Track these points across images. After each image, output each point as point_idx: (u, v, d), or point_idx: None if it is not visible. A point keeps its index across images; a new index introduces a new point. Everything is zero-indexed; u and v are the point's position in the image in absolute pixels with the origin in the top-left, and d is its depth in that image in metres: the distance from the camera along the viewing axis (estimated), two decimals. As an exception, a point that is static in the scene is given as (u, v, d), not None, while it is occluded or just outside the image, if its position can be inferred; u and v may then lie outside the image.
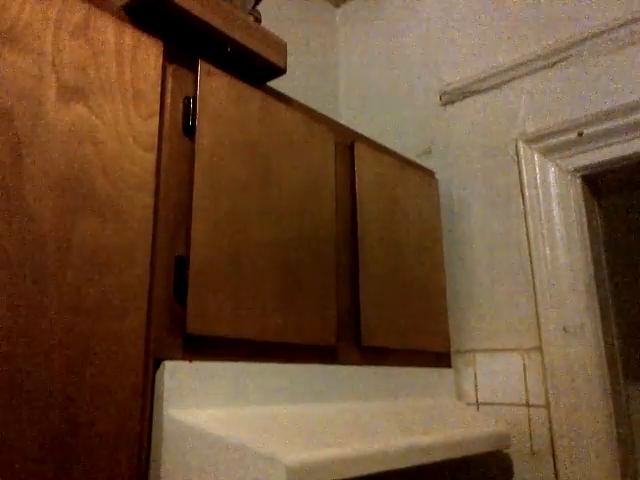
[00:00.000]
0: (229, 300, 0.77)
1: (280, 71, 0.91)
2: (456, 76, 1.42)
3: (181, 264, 0.74)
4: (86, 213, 0.63)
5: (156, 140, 0.73)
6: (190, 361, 0.72)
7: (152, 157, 0.72)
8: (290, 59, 0.98)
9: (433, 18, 1.55)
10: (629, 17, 1.13)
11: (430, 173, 1.32)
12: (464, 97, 1.38)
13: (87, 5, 0.68)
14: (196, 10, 0.78)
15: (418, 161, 1.39)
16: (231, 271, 0.78)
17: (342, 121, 1.69)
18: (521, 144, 1.24)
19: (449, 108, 1.42)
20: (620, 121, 1.10)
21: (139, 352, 0.66)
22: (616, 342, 1.21)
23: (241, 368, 0.78)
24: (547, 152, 1.20)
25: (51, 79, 0.63)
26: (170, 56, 0.78)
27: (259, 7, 1.10)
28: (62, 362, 0.58)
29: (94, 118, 0.66)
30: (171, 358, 0.71)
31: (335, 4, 1.85)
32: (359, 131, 1.36)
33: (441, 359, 1.22)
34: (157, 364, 0.69)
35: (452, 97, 1.40)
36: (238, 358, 0.78)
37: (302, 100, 1.07)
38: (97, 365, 0.61)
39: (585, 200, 1.15)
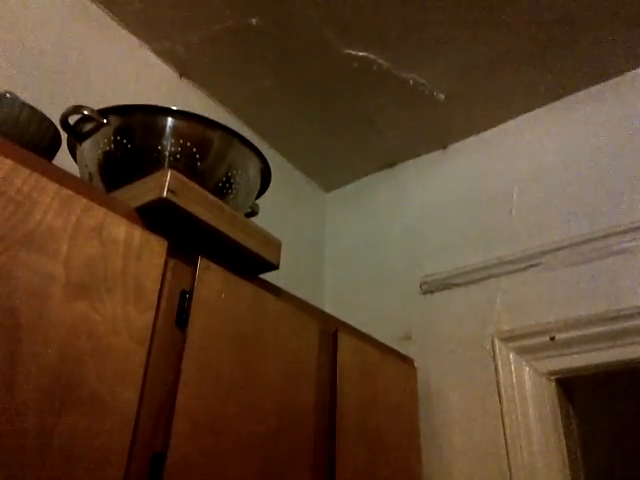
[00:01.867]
0: (201, 503, 0.74)
1: (273, 267, 0.98)
2: (436, 268, 1.52)
3: (157, 461, 0.72)
4: (71, 409, 0.63)
5: (150, 333, 0.75)
6: None
7: (144, 351, 0.74)
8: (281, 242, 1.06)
9: (414, 211, 1.69)
10: (593, 235, 1.26)
11: (409, 361, 1.35)
12: (443, 288, 1.46)
13: (104, 209, 0.75)
14: (203, 215, 0.85)
15: (398, 345, 1.43)
16: (208, 471, 0.76)
17: (326, 301, 1.75)
18: (497, 342, 1.29)
19: (429, 297, 1.49)
20: (589, 330, 1.17)
21: None
22: None
23: None
24: (522, 352, 1.24)
25: (61, 278, 0.67)
26: (172, 252, 0.84)
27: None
28: None
29: (94, 314, 0.69)
30: None
31: (325, 189, 2.01)
32: (341, 312, 1.41)
33: None
34: None
35: (431, 287, 1.49)
36: None
37: (289, 281, 1.13)
38: None
39: (560, 403, 1.18)
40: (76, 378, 0.65)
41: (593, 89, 1.51)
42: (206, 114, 0.97)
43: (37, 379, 0.61)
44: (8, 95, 0.78)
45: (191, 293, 0.84)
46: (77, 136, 0.96)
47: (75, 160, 1.03)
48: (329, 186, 1.99)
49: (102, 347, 0.69)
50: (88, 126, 0.95)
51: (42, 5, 1.26)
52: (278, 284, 1.05)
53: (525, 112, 1.64)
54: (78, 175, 0.99)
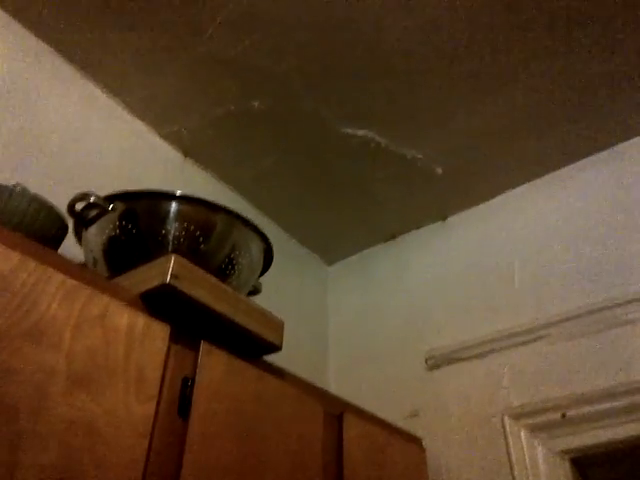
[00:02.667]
0: None
1: (276, 349, 0.97)
2: (441, 342, 1.50)
3: None
4: (69, 510, 0.61)
5: (151, 424, 0.74)
6: None
7: (144, 443, 0.72)
8: (283, 319, 1.06)
9: (417, 283, 1.69)
10: (598, 305, 1.25)
11: (418, 441, 1.31)
12: (449, 363, 1.44)
13: (108, 297, 0.75)
14: (205, 299, 0.85)
15: (405, 423, 1.39)
16: None
17: (330, 377, 1.72)
18: (507, 419, 1.26)
19: (435, 372, 1.47)
20: (601, 406, 1.14)
21: None
22: None
23: None
24: (534, 430, 1.21)
25: (62, 371, 0.66)
26: (175, 337, 0.84)
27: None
28: None
29: (95, 406, 0.68)
30: None
31: (328, 263, 2.02)
32: (346, 388, 1.39)
33: None
34: None
35: (437, 362, 1.46)
36: None
37: (292, 358, 1.11)
38: None
39: (576, 484, 1.13)
40: (74, 477, 0.63)
41: (591, 159, 1.54)
42: (210, 193, 1.00)
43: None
44: (18, 188, 0.81)
45: (193, 379, 0.82)
46: (83, 222, 0.98)
47: (80, 245, 1.05)
48: (331, 259, 2.01)
49: (102, 442, 0.67)
50: (94, 212, 0.97)
51: (50, 94, 1.31)
52: (281, 361, 1.03)
53: (523, 183, 1.67)
54: (83, 259, 1.00)
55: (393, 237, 1.87)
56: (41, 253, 0.71)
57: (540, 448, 1.19)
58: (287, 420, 0.95)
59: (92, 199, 0.95)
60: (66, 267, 0.73)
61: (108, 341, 0.73)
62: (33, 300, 0.67)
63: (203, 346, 0.86)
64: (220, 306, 0.88)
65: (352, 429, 1.11)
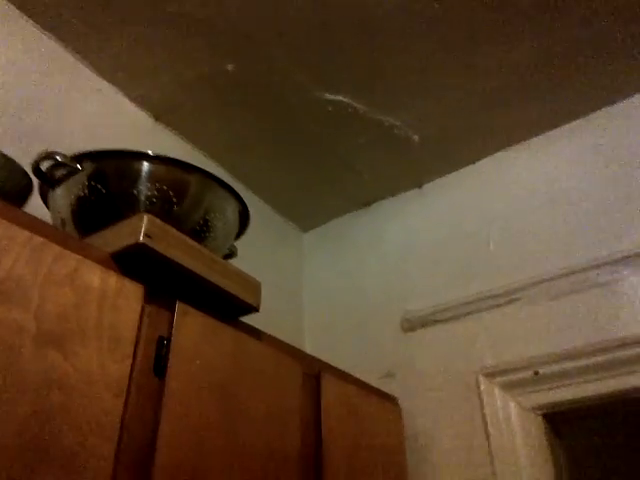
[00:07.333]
0: None
1: (254, 309, 0.96)
2: (416, 305, 1.51)
3: (135, 519, 0.68)
4: (44, 468, 0.60)
5: (126, 383, 0.73)
6: None
7: (120, 402, 0.71)
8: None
9: (392, 249, 1.70)
10: (571, 268, 1.27)
11: (394, 400, 1.32)
12: (425, 325, 1.45)
13: (78, 256, 0.73)
14: (180, 259, 0.83)
15: (381, 384, 1.40)
16: (188, 527, 0.73)
17: (306, 342, 1.72)
18: (481, 377, 1.28)
19: (410, 334, 1.48)
20: (573, 364, 1.16)
21: None
22: None
23: None
24: (507, 388, 1.23)
25: (31, 329, 0.64)
26: (149, 297, 0.82)
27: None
28: None
29: (67, 365, 0.66)
30: None
31: (303, 229, 2.01)
32: (323, 352, 1.39)
33: None
34: None
35: (413, 324, 1.47)
36: None
37: (268, 323, 1.11)
38: None
39: (548, 438, 1.16)
40: (49, 434, 0.62)
41: (568, 126, 1.54)
42: (182, 157, 0.97)
43: (8, 437, 0.58)
44: (-22, 142, 0.77)
45: (169, 339, 0.81)
46: (49, 182, 0.94)
47: (47, 206, 1.01)
48: (307, 226, 1.99)
49: (76, 400, 0.66)
50: (61, 172, 0.93)
51: (16, 53, 1.25)
52: (257, 327, 1.03)
53: (499, 150, 1.66)
54: (50, 222, 0.97)
55: (369, 204, 1.86)
56: (3, 209, 0.68)
57: (513, 405, 1.21)
58: (266, 380, 0.95)
59: (58, 158, 0.91)
60: (32, 224, 0.71)
61: (79, 301, 0.71)
62: (-2, 257, 0.64)
63: (179, 306, 0.84)
64: (195, 266, 0.86)
65: (330, 388, 1.11)
